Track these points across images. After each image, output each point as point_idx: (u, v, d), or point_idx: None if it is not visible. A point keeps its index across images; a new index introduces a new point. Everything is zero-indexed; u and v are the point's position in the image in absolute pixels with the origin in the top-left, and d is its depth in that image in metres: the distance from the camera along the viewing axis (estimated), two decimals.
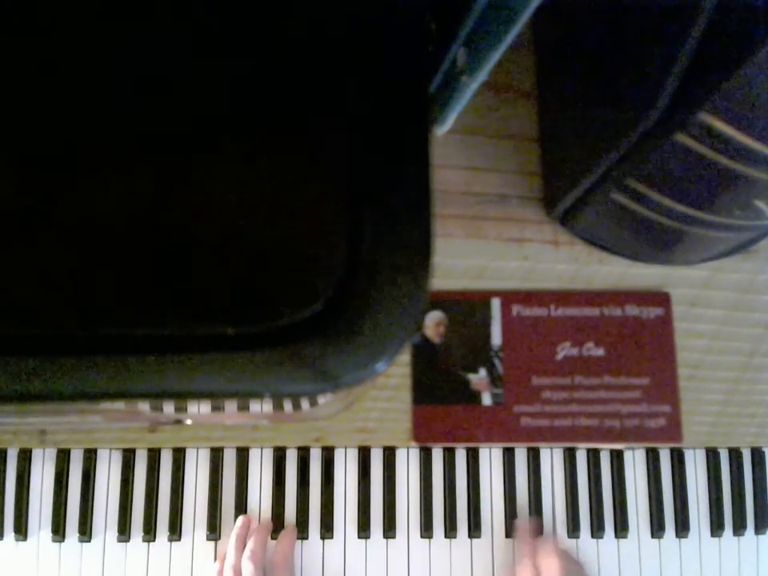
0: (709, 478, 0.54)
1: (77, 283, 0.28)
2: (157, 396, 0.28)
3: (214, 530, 0.52)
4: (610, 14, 0.41)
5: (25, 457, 0.52)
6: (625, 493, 0.54)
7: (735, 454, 0.54)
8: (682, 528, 0.53)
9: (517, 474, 0.53)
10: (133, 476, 0.52)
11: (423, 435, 0.53)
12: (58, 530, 0.51)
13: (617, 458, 0.54)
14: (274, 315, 0.28)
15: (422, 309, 0.28)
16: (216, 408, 0.45)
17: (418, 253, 0.29)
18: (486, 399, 0.53)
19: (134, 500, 0.52)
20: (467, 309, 0.55)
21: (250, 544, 0.50)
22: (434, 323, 0.54)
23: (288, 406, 0.45)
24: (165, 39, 0.31)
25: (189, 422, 0.51)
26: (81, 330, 0.28)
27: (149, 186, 0.29)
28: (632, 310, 0.55)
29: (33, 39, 0.30)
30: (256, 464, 0.53)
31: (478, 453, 0.54)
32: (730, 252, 0.54)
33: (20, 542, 0.52)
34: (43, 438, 0.52)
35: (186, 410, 0.45)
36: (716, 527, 0.53)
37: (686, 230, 0.46)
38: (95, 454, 0.53)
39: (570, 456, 0.54)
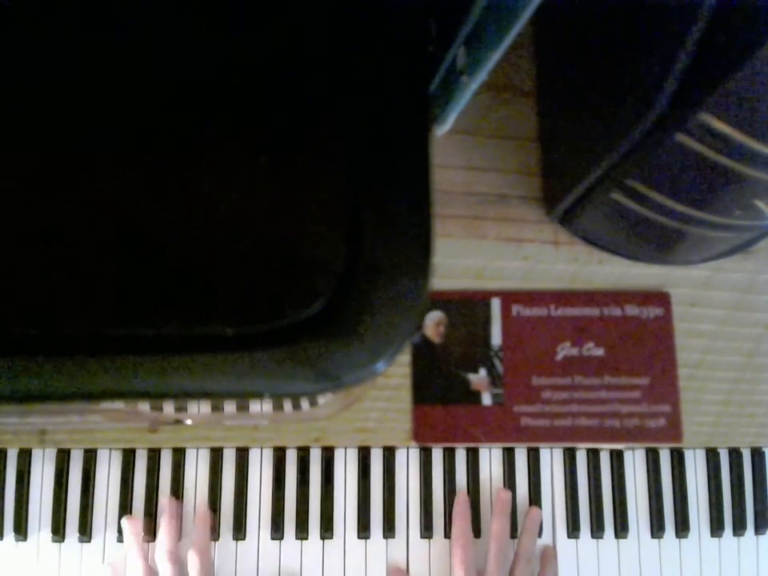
0: (709, 477, 0.54)
1: (77, 283, 0.28)
2: (157, 396, 0.28)
3: (213, 530, 0.51)
4: (610, 14, 0.41)
5: (25, 457, 0.52)
6: (625, 493, 0.53)
7: (735, 454, 0.54)
8: (682, 528, 0.53)
9: (517, 474, 0.53)
10: (133, 476, 0.52)
11: (423, 435, 0.53)
12: (58, 530, 0.51)
13: (617, 457, 0.54)
14: (274, 315, 0.28)
15: (422, 309, 0.28)
16: (216, 408, 0.45)
17: (417, 253, 0.29)
18: (486, 399, 0.53)
19: (133, 500, 0.52)
20: (467, 309, 0.55)
21: (164, 540, 0.49)
22: (434, 323, 0.54)
23: (288, 405, 0.45)
24: (164, 38, 0.31)
25: (189, 422, 0.51)
26: (81, 330, 0.28)
27: (148, 185, 0.29)
28: (632, 310, 0.55)
29: (29, 38, 0.30)
30: (256, 464, 0.53)
31: (477, 453, 0.54)
32: (729, 252, 0.54)
33: (20, 542, 0.52)
34: (43, 438, 0.52)
35: (186, 409, 0.45)
36: (716, 527, 0.53)
37: (685, 230, 0.46)
38: (95, 454, 0.52)
39: (569, 456, 0.54)
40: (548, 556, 0.52)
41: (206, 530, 0.51)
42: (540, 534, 0.52)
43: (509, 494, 0.52)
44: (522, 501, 0.53)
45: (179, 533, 0.51)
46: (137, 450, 0.53)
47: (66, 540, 0.52)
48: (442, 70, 0.34)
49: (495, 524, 0.51)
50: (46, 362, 0.27)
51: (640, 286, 0.56)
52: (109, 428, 0.52)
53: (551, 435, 0.53)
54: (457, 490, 0.53)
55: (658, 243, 0.51)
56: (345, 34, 0.31)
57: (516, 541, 0.52)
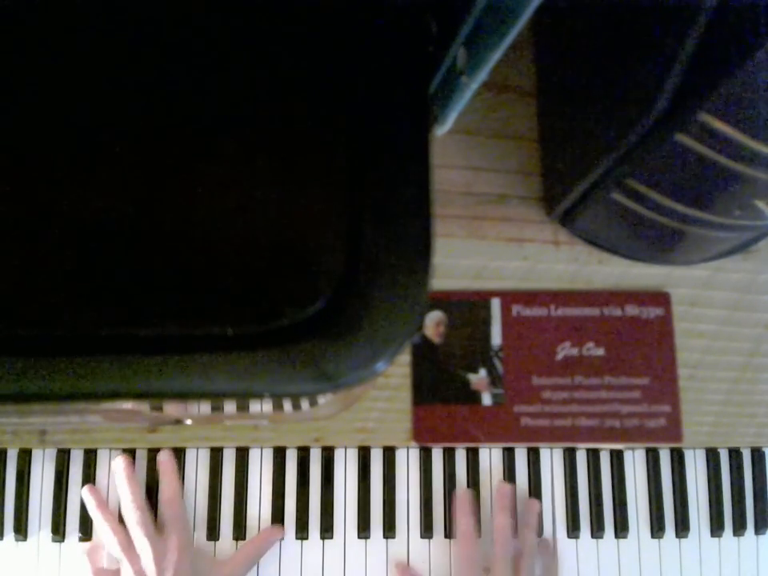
0: (709, 478, 0.54)
1: (76, 283, 0.28)
2: (157, 396, 0.28)
3: (213, 530, 0.51)
4: (610, 14, 0.41)
5: (25, 457, 0.52)
6: (625, 493, 0.53)
7: (735, 454, 0.54)
8: (682, 528, 0.53)
9: (517, 474, 0.53)
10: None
11: (423, 435, 0.53)
12: (58, 530, 0.51)
13: (617, 457, 0.54)
14: (274, 315, 0.28)
15: (422, 309, 0.28)
16: (216, 408, 0.45)
17: (417, 253, 0.29)
18: (486, 399, 0.53)
19: None
20: (467, 309, 0.55)
21: (125, 491, 0.50)
22: (434, 323, 0.54)
23: (288, 405, 0.45)
24: (164, 39, 0.31)
25: (189, 422, 0.51)
26: (81, 330, 0.28)
27: (148, 185, 0.29)
28: (632, 310, 0.55)
29: (31, 38, 0.30)
30: (256, 464, 0.53)
31: (477, 453, 0.54)
32: (729, 252, 0.54)
33: (20, 542, 0.52)
34: (43, 438, 0.52)
35: (186, 409, 0.45)
36: (716, 527, 0.53)
37: (685, 230, 0.46)
38: (95, 454, 0.52)
39: (569, 456, 0.54)
40: (547, 548, 0.52)
41: (173, 476, 0.51)
42: (540, 534, 0.52)
43: (509, 487, 0.52)
44: (522, 501, 0.53)
45: (140, 487, 0.51)
46: (137, 450, 0.53)
47: (66, 540, 0.52)
48: (442, 70, 0.34)
49: (498, 519, 0.51)
50: (46, 362, 0.27)
51: (640, 286, 0.56)
52: (109, 428, 0.52)
53: (551, 435, 0.53)
54: (457, 490, 0.53)
55: (658, 243, 0.51)
56: (345, 35, 0.31)
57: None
